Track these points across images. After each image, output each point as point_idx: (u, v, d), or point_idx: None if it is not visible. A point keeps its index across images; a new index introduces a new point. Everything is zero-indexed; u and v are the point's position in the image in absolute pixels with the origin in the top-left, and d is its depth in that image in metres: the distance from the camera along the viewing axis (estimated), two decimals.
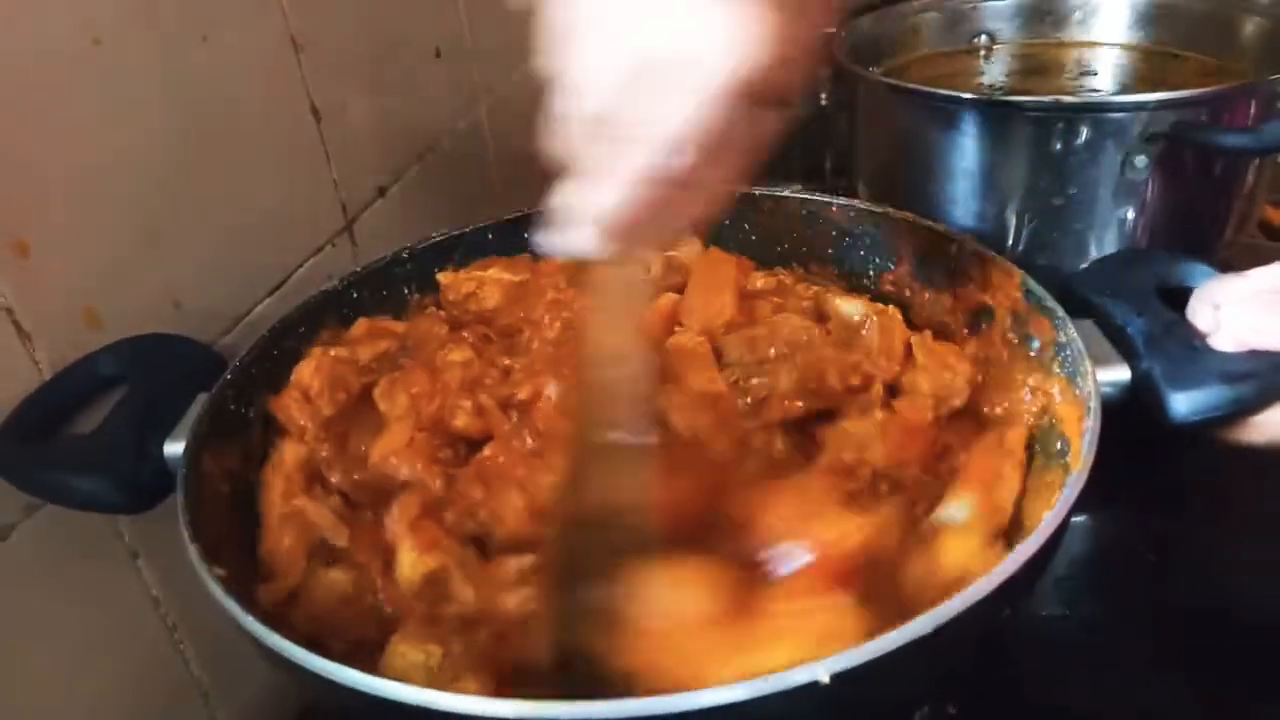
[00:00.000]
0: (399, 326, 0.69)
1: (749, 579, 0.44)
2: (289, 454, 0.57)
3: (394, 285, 0.72)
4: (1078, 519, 0.44)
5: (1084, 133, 0.75)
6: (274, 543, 0.53)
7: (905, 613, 0.38)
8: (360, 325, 0.68)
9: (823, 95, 1.17)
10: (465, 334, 0.66)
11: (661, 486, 0.47)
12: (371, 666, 0.45)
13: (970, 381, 0.60)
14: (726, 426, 0.57)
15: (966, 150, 0.80)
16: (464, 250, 0.74)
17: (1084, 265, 0.63)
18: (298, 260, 0.72)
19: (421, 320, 0.70)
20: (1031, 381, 0.58)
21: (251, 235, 0.67)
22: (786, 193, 0.75)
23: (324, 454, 0.58)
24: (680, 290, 0.70)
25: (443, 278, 0.72)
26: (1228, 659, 0.61)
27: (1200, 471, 0.75)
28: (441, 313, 0.71)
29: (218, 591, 0.44)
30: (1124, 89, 0.92)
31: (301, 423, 0.59)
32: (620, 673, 0.40)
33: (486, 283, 0.71)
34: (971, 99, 0.79)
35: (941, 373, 0.61)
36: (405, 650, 0.45)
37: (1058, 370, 0.56)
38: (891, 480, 0.55)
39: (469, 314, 0.71)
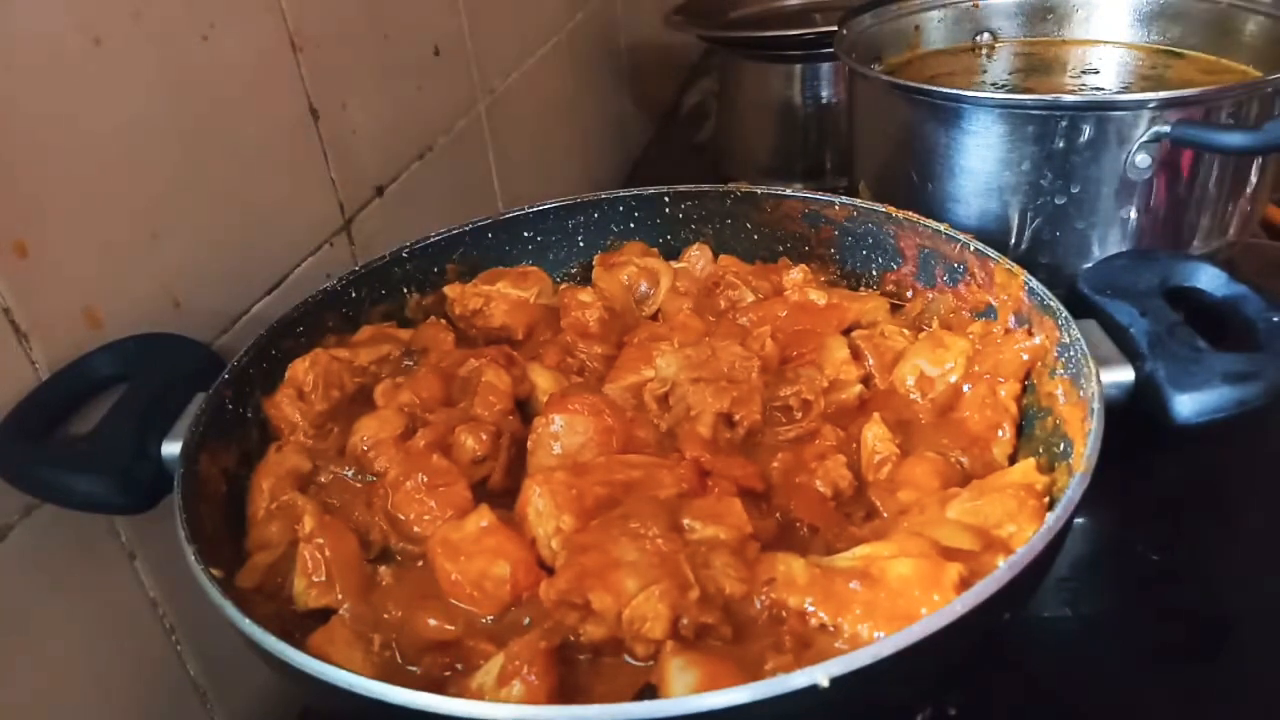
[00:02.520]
0: (404, 333, 0.69)
1: None
2: (280, 457, 0.57)
3: (393, 285, 0.71)
4: (1079, 520, 0.44)
5: (1086, 131, 0.74)
6: (259, 534, 0.53)
7: None
8: (365, 330, 0.68)
9: (824, 93, 1.17)
10: (492, 351, 0.64)
11: None
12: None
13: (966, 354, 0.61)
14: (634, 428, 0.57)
15: (968, 149, 0.79)
16: (465, 249, 0.74)
17: (1087, 265, 0.62)
18: (296, 259, 0.72)
19: (426, 328, 0.69)
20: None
21: (250, 234, 0.67)
22: (788, 192, 0.75)
23: (312, 446, 0.58)
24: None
25: (449, 290, 0.72)
26: (1230, 659, 0.61)
27: (1202, 472, 0.75)
28: (443, 321, 0.71)
29: (214, 593, 0.44)
30: (1126, 88, 0.91)
31: (294, 419, 0.59)
32: None
33: (494, 298, 0.70)
34: (973, 97, 0.79)
35: (935, 349, 0.61)
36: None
37: (1061, 371, 0.55)
38: None
39: (475, 329, 0.71)
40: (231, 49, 0.65)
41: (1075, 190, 0.77)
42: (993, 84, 0.95)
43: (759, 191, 0.75)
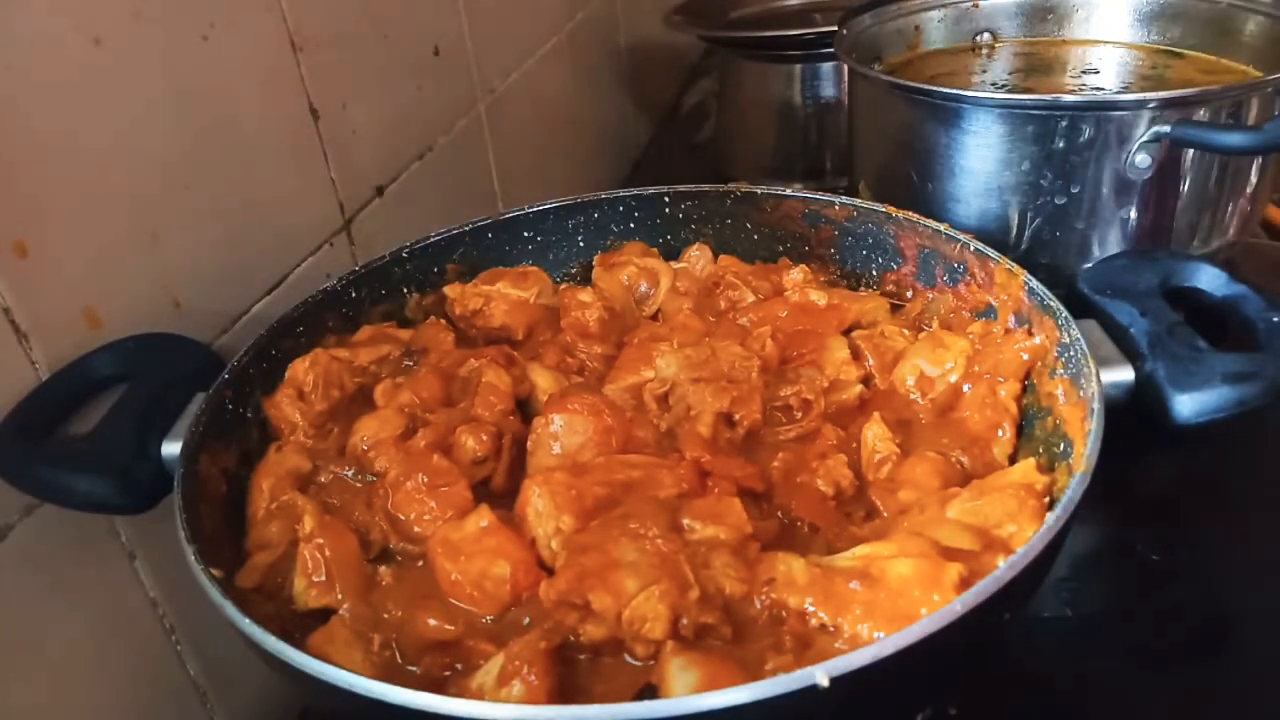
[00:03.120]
0: (404, 333, 0.69)
1: None
2: (280, 457, 0.57)
3: (393, 285, 0.71)
4: (1079, 520, 0.44)
5: (1086, 131, 0.74)
6: (259, 534, 0.53)
7: None
8: (365, 331, 0.68)
9: (824, 93, 1.17)
10: (492, 351, 0.64)
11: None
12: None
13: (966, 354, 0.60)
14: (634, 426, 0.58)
15: (968, 149, 0.79)
16: (465, 249, 0.74)
17: (1087, 265, 0.62)
18: (296, 259, 0.72)
19: (426, 328, 0.69)
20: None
21: (250, 234, 0.67)
22: (788, 192, 0.75)
23: (312, 446, 0.58)
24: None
25: (449, 290, 0.72)
26: (1230, 659, 0.61)
27: (1202, 472, 0.75)
28: (443, 321, 0.71)
29: (214, 593, 0.44)
30: (1126, 88, 0.92)
31: (294, 419, 0.59)
32: None
33: (494, 298, 0.70)
34: (973, 97, 0.79)
35: (935, 349, 0.61)
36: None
37: (1061, 371, 0.55)
38: None
39: (475, 329, 0.71)
40: (231, 49, 0.65)
41: (1075, 190, 0.77)
42: (993, 84, 0.94)
43: (759, 191, 0.75)
